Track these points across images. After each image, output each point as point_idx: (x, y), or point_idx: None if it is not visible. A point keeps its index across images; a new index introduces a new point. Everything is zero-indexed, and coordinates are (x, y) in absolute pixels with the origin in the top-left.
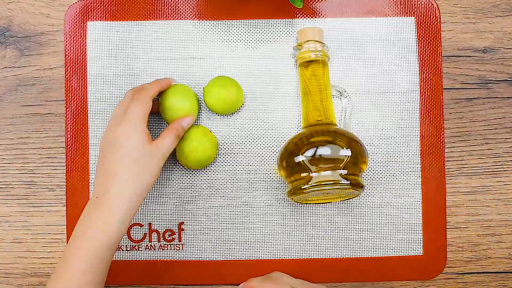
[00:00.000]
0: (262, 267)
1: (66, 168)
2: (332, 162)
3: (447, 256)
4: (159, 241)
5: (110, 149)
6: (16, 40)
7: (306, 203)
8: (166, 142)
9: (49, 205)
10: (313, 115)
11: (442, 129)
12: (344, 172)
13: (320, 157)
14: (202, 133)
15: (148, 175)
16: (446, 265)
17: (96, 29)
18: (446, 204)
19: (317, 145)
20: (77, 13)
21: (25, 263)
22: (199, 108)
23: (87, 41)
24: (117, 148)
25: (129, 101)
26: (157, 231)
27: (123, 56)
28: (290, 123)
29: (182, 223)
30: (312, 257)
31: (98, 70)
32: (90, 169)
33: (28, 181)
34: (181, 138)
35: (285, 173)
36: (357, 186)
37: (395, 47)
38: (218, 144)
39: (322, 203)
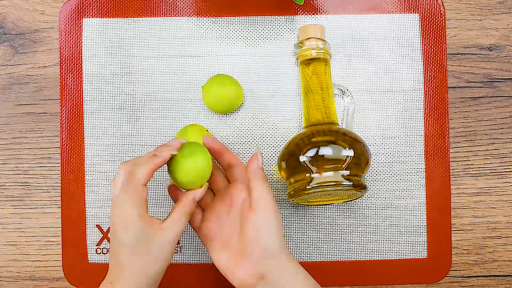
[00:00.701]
0: None
1: (61, 169)
2: (334, 163)
3: (452, 259)
4: None
5: (112, 236)
6: (9, 38)
7: (307, 205)
8: (176, 227)
9: (43, 207)
10: (315, 115)
11: (447, 128)
12: (347, 173)
13: (321, 157)
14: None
15: (156, 265)
16: (451, 269)
17: (91, 26)
18: (451, 206)
19: (318, 145)
20: (72, 9)
21: (19, 266)
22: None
23: (83, 39)
24: (116, 238)
25: (119, 185)
26: None
27: (120, 54)
28: (291, 123)
29: None
30: (313, 260)
31: (93, 68)
32: (85, 170)
33: (22, 182)
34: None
35: (285, 174)
36: (360, 187)
37: (398, 45)
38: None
39: (324, 204)
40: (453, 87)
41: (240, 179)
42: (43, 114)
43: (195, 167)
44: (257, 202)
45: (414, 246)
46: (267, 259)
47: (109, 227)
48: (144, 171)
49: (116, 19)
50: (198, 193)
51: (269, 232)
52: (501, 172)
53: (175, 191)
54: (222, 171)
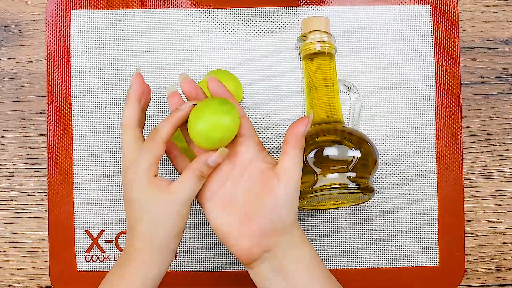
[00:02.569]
0: None
1: (48, 170)
2: (340, 164)
3: (466, 267)
4: None
5: (124, 199)
6: None
7: (311, 209)
8: (183, 188)
9: (29, 211)
10: (319, 113)
11: (460, 127)
12: (353, 174)
13: (326, 158)
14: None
15: (164, 229)
16: (464, 277)
17: (81, 18)
18: (464, 210)
19: (323, 145)
20: (60, 0)
21: (2, 274)
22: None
23: (71, 32)
24: (126, 200)
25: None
26: None
27: (111, 47)
28: (293, 121)
29: None
30: None
31: (83, 63)
32: (74, 172)
33: (7, 185)
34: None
35: None
36: (367, 190)
37: (408, 38)
38: None
39: (328, 209)
40: (467, 83)
41: (247, 134)
42: (29, 112)
43: (214, 125)
44: (285, 171)
45: (424, 253)
46: (279, 232)
47: (99, 233)
48: (167, 127)
49: (107, 10)
50: (212, 157)
51: (288, 205)
52: None
53: (172, 148)
54: None
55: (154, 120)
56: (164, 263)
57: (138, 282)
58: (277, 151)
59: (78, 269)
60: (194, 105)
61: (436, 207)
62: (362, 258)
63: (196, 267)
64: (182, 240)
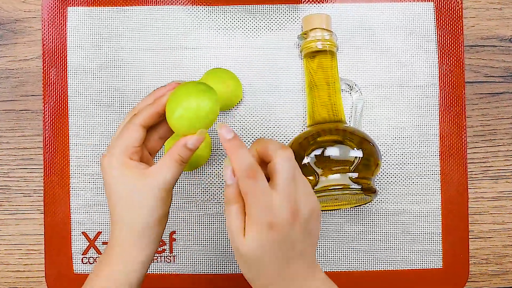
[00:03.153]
0: None
1: (44, 171)
2: (341, 164)
3: (470, 269)
4: None
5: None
6: None
7: None
8: (161, 173)
9: (24, 212)
10: (320, 112)
11: (464, 127)
12: (355, 175)
13: (327, 158)
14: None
15: (141, 215)
16: (469, 280)
17: (77, 16)
18: (469, 211)
19: (324, 145)
20: None
21: None
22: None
23: (68, 29)
24: (105, 183)
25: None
26: None
27: (108, 45)
28: (294, 121)
29: (173, 232)
30: None
31: (79, 62)
32: (70, 172)
33: (1, 186)
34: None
35: None
36: (369, 191)
37: (411, 36)
38: (212, 143)
39: (330, 210)
40: (471, 82)
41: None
42: (24, 112)
43: (190, 109)
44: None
45: (428, 255)
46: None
47: (96, 235)
48: (146, 111)
49: (104, 8)
50: (191, 139)
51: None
52: None
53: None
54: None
55: None
56: (144, 251)
57: (120, 269)
58: None
59: (74, 271)
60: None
61: (439, 209)
62: (364, 260)
63: (195, 270)
64: (182, 242)
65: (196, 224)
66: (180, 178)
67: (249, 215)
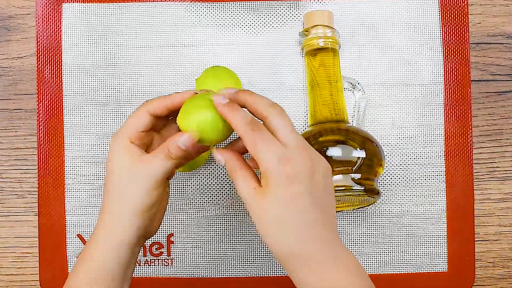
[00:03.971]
0: (261, 286)
1: (38, 171)
2: (344, 165)
3: (476, 273)
4: (145, 255)
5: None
6: None
7: None
8: (153, 162)
9: (18, 214)
10: (322, 111)
11: (470, 127)
12: (358, 176)
13: (329, 159)
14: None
15: (124, 200)
16: (474, 283)
17: (72, 12)
18: (474, 213)
19: (326, 145)
20: None
21: None
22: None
23: (62, 26)
24: (107, 165)
25: None
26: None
27: (104, 43)
28: (295, 120)
29: (171, 235)
30: None
31: (75, 59)
32: (65, 173)
33: None
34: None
35: None
36: (373, 192)
37: (415, 33)
38: None
39: None
40: (477, 81)
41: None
42: (18, 111)
43: (199, 121)
44: None
45: (433, 258)
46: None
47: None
48: (157, 101)
49: (100, 4)
50: (182, 138)
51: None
52: None
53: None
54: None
55: None
56: (122, 235)
57: (106, 244)
58: None
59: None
60: (196, 93)
61: (444, 210)
62: (367, 263)
63: (193, 273)
64: (181, 246)
65: (195, 227)
66: (178, 179)
67: (265, 171)
